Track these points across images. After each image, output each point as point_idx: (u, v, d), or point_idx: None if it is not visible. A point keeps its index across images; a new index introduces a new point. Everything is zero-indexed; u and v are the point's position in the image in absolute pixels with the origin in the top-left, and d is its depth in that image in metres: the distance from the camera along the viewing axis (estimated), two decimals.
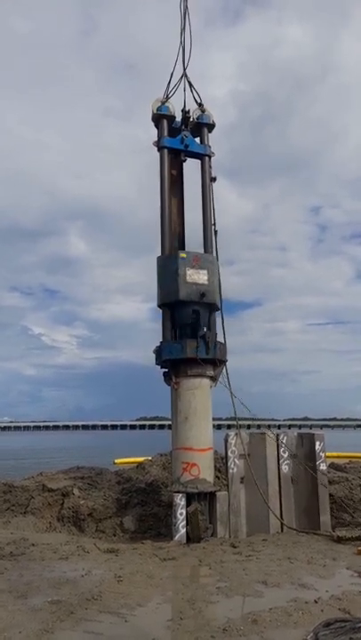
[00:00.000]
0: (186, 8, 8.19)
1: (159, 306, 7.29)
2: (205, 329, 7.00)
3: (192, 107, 8.05)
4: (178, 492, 6.46)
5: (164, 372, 7.20)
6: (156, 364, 7.19)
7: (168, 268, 7.09)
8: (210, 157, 7.91)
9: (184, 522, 6.28)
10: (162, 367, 7.23)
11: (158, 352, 7.10)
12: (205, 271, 7.03)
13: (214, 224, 7.72)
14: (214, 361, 6.93)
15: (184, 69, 8.05)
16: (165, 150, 7.67)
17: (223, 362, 7.12)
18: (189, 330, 7.06)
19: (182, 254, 7.04)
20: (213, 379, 7.04)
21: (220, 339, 7.20)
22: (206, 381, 6.94)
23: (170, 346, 6.90)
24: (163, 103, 7.80)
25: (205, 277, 7.00)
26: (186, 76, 8.06)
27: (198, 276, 6.96)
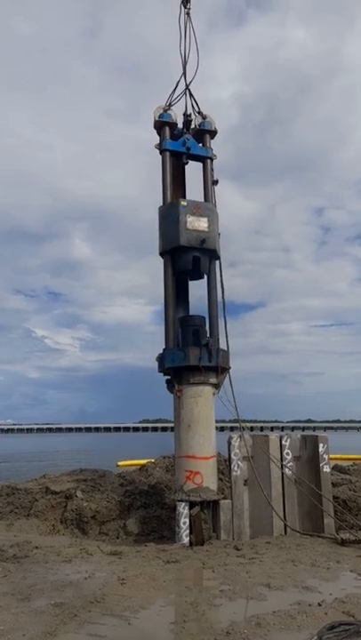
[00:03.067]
0: (187, 16, 8.16)
1: (161, 254, 7.35)
2: (209, 337, 6.99)
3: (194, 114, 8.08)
4: (181, 500, 6.43)
5: (167, 380, 7.18)
6: (159, 371, 7.17)
7: (169, 216, 7.20)
8: (212, 160, 7.93)
9: (187, 531, 6.25)
10: (165, 374, 7.21)
11: (161, 360, 7.07)
12: (206, 219, 7.16)
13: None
14: (217, 368, 6.90)
15: (186, 85, 8.02)
16: (167, 153, 7.70)
17: (226, 369, 7.09)
18: (192, 337, 7.03)
19: (183, 202, 7.18)
20: (216, 386, 7.01)
21: (222, 346, 7.17)
22: (209, 389, 6.90)
23: (172, 353, 6.88)
24: (165, 111, 7.82)
25: (206, 225, 7.12)
26: (189, 90, 8.03)
27: (199, 223, 7.08)
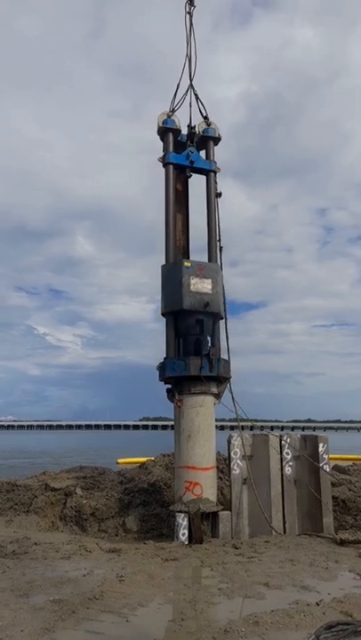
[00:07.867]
0: (191, 18, 8.14)
1: (163, 314, 7.22)
2: (210, 346, 6.95)
3: (198, 119, 8.02)
4: (180, 511, 6.38)
5: (168, 389, 7.15)
6: (160, 380, 7.13)
7: (172, 277, 7.03)
8: (215, 173, 7.86)
9: (186, 542, 6.22)
10: (165, 383, 7.17)
11: (162, 369, 7.02)
12: (210, 280, 6.98)
13: (219, 240, 7.63)
14: (218, 378, 6.88)
15: (190, 82, 7.99)
16: (171, 166, 7.64)
17: (227, 379, 7.06)
18: (193, 347, 7.00)
19: (186, 263, 6.99)
20: (217, 396, 6.99)
21: (224, 355, 7.13)
22: (210, 399, 6.87)
23: (173, 363, 6.83)
24: (168, 116, 7.76)
25: (210, 287, 6.95)
26: (193, 87, 8.00)
27: (203, 285, 6.91)
